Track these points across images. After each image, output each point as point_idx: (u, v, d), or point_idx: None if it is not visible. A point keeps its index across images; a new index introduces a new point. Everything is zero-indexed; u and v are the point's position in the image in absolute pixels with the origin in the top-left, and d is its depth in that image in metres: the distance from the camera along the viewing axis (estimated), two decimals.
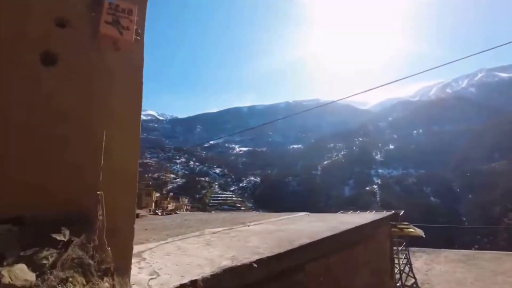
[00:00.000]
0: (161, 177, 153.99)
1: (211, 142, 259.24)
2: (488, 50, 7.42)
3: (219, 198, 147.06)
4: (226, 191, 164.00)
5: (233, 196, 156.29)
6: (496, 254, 11.23)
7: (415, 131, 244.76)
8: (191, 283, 1.86)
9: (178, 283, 1.82)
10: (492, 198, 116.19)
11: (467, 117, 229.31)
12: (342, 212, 9.90)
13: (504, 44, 7.41)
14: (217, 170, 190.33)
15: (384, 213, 6.28)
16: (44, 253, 1.12)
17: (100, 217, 1.38)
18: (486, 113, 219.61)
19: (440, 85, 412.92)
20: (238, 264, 2.30)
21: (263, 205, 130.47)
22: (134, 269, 2.31)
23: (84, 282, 1.17)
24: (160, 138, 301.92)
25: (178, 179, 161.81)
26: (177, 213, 9.40)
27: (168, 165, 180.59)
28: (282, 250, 2.66)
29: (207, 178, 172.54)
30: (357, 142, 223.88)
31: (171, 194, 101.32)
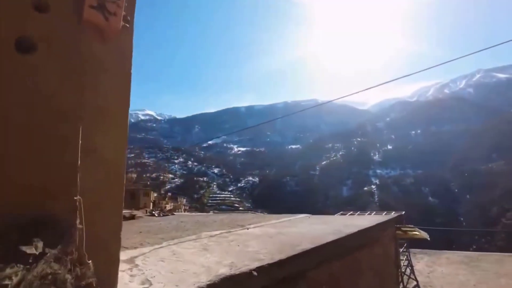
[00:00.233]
0: (159, 177, 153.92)
1: (210, 142, 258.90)
2: (485, 49, 7.30)
3: (217, 198, 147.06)
4: (225, 191, 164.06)
5: (231, 196, 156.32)
6: (498, 256, 11.13)
7: (413, 132, 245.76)
8: None
9: None
10: (490, 198, 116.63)
11: (465, 117, 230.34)
12: (342, 213, 9.76)
13: (500, 44, 7.28)
14: (216, 170, 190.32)
15: (389, 215, 6.12)
16: (8, 271, 0.94)
17: (79, 226, 1.21)
18: (484, 114, 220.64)
19: (438, 85, 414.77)
20: (237, 272, 2.15)
21: (261, 205, 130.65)
22: (125, 277, 2.15)
23: None
24: (158, 138, 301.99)
25: (176, 179, 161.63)
26: (174, 214, 9.22)
27: (166, 165, 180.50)
28: (283, 256, 2.50)
29: (205, 178, 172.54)
30: (355, 142, 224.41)
31: (169, 194, 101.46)
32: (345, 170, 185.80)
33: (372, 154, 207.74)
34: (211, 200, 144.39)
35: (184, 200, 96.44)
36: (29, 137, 1.19)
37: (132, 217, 7.48)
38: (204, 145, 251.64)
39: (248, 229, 4.26)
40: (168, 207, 40.01)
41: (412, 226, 6.91)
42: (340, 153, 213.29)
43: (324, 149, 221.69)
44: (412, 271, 8.39)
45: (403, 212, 8.46)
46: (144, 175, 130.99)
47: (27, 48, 1.26)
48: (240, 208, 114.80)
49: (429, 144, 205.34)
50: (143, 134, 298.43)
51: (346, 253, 3.27)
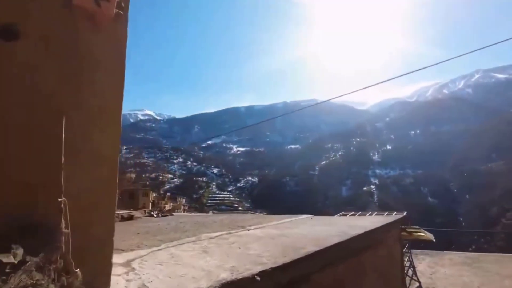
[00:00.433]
0: (159, 177, 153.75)
1: (209, 142, 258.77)
2: (481, 49, 7.18)
3: (217, 198, 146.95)
4: (224, 191, 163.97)
5: (231, 196, 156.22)
6: (500, 256, 11.04)
7: (413, 132, 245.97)
8: None
9: None
10: (489, 198, 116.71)
11: (464, 117, 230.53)
12: (343, 214, 9.64)
13: (496, 43, 7.16)
14: (215, 170, 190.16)
15: (393, 216, 6.00)
16: None
17: (65, 230, 1.09)
18: (483, 114, 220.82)
19: (437, 85, 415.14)
20: (239, 277, 2.05)
21: (261, 205, 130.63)
22: (120, 282, 2.05)
23: None
24: (158, 138, 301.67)
25: (175, 179, 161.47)
26: (173, 215, 9.11)
27: (166, 165, 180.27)
28: (287, 259, 2.39)
29: (204, 178, 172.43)
30: (354, 142, 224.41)
31: (169, 194, 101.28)
32: (345, 170, 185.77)
33: (371, 154, 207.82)
34: (211, 200, 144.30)
35: (184, 200, 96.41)
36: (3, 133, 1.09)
37: (130, 217, 7.39)
38: (204, 145, 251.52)
39: (249, 230, 4.15)
40: (167, 207, 39.94)
41: (417, 227, 6.78)
42: (340, 153, 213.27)
43: (323, 149, 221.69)
44: (414, 272, 8.28)
45: (405, 213, 8.34)
46: (143, 175, 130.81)
47: (9, 35, 1.15)
48: (240, 208, 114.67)
49: (428, 144, 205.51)
50: (142, 134, 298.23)
51: (350, 255, 3.16)
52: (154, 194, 47.54)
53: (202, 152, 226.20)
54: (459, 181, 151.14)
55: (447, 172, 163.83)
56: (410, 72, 7.93)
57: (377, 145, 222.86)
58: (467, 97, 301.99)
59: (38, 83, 1.16)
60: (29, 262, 0.94)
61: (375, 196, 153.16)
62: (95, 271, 1.22)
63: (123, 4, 1.48)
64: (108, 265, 1.41)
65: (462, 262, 9.83)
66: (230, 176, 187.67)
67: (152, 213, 9.06)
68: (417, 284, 7.89)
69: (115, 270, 2.32)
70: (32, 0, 1.20)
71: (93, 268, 1.20)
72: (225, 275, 2.07)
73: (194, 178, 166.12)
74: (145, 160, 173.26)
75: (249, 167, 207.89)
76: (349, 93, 9.81)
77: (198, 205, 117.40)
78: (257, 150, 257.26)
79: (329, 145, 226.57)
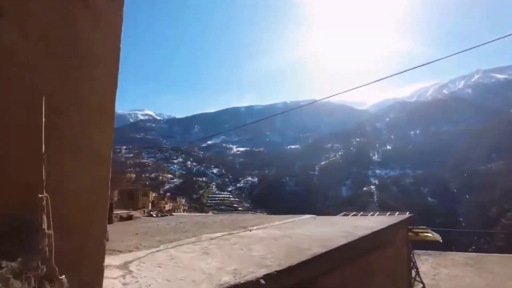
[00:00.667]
0: (158, 177, 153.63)
1: (209, 142, 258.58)
2: (476, 46, 7.07)
3: (217, 199, 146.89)
4: (224, 191, 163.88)
5: (231, 196, 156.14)
6: (502, 257, 10.91)
7: (412, 132, 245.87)
8: None
9: None
10: (489, 198, 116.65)
11: (464, 117, 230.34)
12: (344, 214, 9.53)
13: (491, 41, 7.05)
14: (215, 170, 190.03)
15: (399, 216, 5.88)
16: None
17: (47, 231, 0.93)
18: (483, 114, 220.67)
19: (437, 86, 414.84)
20: (242, 280, 1.92)
21: (261, 205, 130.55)
22: (117, 286, 1.93)
23: None
24: (158, 138, 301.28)
25: (175, 179, 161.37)
26: (172, 215, 8.99)
27: (166, 165, 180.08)
28: (293, 261, 2.26)
29: (204, 178, 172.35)
30: (354, 142, 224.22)
31: (168, 194, 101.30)
32: (344, 170, 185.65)
33: (371, 154, 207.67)
34: (210, 200, 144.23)
35: (183, 200, 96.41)
36: None
37: (130, 217, 7.27)
38: (203, 145, 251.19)
39: (250, 231, 4.03)
40: (167, 207, 39.88)
41: (424, 227, 6.66)
42: (340, 153, 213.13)
43: (323, 149, 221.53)
44: (418, 273, 8.15)
45: (408, 213, 8.23)
46: (143, 175, 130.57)
47: None
48: (240, 208, 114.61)
49: (428, 144, 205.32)
50: (142, 134, 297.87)
51: (358, 255, 3.03)
52: (154, 194, 47.43)
53: (202, 152, 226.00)
54: (459, 181, 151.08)
55: (447, 172, 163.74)
56: (409, 70, 7.84)
57: (377, 145, 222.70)
58: (467, 97, 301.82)
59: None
60: (5, 268, 0.81)
61: (375, 196, 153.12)
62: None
63: None
64: (98, 273, 1.35)
65: (465, 263, 9.70)
66: (230, 176, 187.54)
67: (151, 213, 8.93)
68: (421, 285, 7.75)
69: (112, 273, 2.19)
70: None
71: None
72: (228, 279, 1.95)
73: (194, 178, 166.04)
74: (145, 160, 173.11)
75: (249, 167, 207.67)
76: (349, 90, 9.73)
77: (198, 205, 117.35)
78: (257, 150, 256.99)
79: (329, 145, 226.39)
